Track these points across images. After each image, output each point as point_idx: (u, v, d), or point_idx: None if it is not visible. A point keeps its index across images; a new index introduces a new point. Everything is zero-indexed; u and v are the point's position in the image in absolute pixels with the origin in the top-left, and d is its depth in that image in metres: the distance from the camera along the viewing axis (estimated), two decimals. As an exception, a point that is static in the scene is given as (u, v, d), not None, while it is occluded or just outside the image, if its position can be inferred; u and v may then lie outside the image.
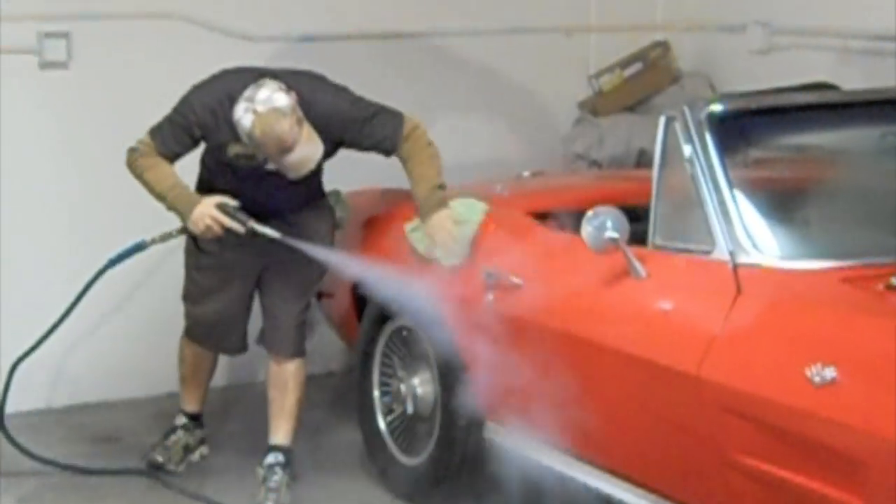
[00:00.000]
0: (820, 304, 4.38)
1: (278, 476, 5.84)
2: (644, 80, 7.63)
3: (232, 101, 5.42)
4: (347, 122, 5.66)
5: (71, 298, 6.03)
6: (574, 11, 7.72)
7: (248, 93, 5.37)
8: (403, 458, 5.85)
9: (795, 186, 5.02)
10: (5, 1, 6.43)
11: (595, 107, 7.62)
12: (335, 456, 6.26)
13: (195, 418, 6.30)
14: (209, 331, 6.07)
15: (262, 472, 5.85)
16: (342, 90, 5.77)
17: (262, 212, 5.67)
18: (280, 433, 5.93)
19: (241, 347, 6.16)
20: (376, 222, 6.12)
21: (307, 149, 5.46)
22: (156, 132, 5.63)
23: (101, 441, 6.43)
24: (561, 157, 7.53)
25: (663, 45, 7.73)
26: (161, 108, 6.37)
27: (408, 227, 5.72)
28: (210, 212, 5.54)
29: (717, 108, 4.89)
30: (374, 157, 5.97)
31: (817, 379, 4.01)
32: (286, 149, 5.37)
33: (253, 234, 5.62)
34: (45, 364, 6.50)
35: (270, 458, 5.87)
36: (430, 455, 5.69)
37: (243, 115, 5.34)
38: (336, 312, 6.36)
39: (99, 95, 6.49)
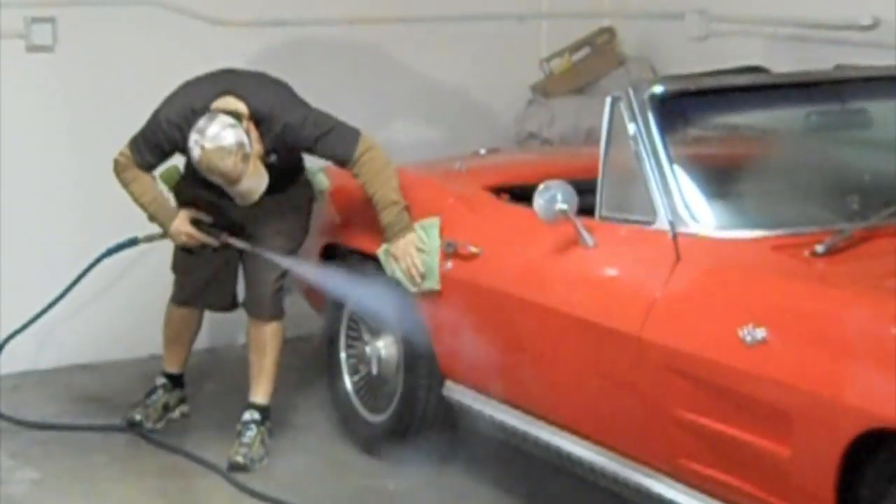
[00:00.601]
0: (751, 270, 4.42)
1: (252, 432, 5.85)
2: (591, 64, 7.62)
3: (196, 115, 5.43)
4: (305, 136, 5.63)
5: (58, 277, 6.12)
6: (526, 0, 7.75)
7: (200, 124, 5.38)
8: (368, 416, 5.86)
9: (730, 162, 5.03)
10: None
11: (546, 89, 7.61)
12: (307, 414, 6.28)
13: (176, 379, 6.28)
14: (198, 293, 6.07)
15: (239, 428, 5.86)
16: (302, 105, 5.74)
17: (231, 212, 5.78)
18: (259, 392, 5.94)
19: (232, 304, 6.15)
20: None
21: (252, 182, 5.49)
22: (133, 145, 5.67)
23: (86, 400, 6.42)
24: (514, 135, 7.52)
25: (609, 32, 7.71)
26: (139, 89, 6.47)
27: (380, 250, 5.64)
28: (185, 229, 5.70)
29: (658, 89, 4.89)
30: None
31: (749, 339, 4.06)
32: (231, 181, 5.43)
33: (225, 245, 5.76)
34: (33, 328, 6.55)
35: (247, 416, 5.89)
36: (393, 412, 5.70)
37: (193, 146, 5.38)
38: (304, 279, 6.34)
39: (82, 77, 6.48)
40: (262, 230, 5.83)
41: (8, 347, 6.39)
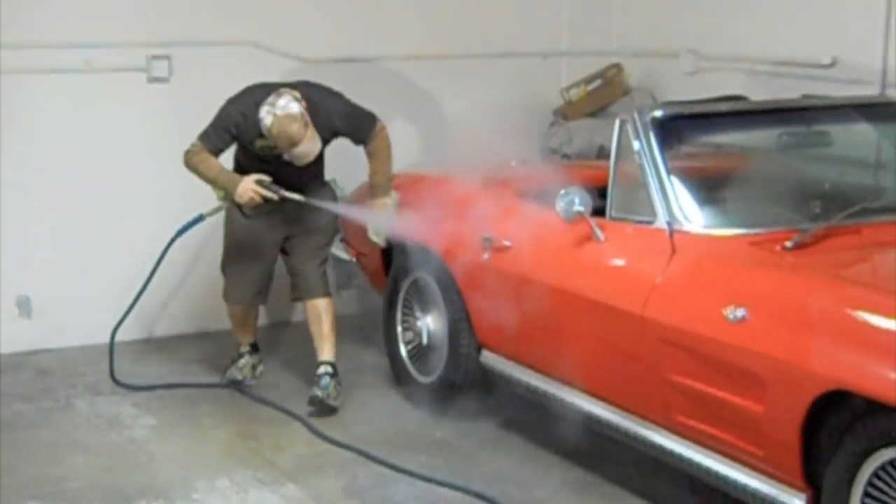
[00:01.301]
0: (734, 261, 4.41)
1: (327, 381, 5.85)
2: (602, 93, 7.54)
3: (257, 106, 5.57)
4: (341, 116, 5.83)
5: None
6: (550, 40, 7.67)
7: (271, 99, 5.55)
8: (419, 377, 5.84)
9: (716, 173, 5.02)
10: (122, 32, 6.49)
11: (565, 113, 7.55)
12: (366, 376, 6.27)
13: (254, 345, 6.35)
14: (243, 295, 6.13)
15: (315, 380, 5.87)
16: (338, 95, 5.94)
17: (285, 187, 5.82)
18: (325, 351, 5.95)
19: (265, 300, 6.24)
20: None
21: (309, 145, 5.63)
22: (203, 136, 5.78)
23: (192, 363, 6.46)
24: (540, 151, 7.50)
25: (617, 67, 7.66)
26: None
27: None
28: (251, 186, 5.69)
29: (658, 113, 4.87)
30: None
31: (732, 317, 4.09)
32: (294, 143, 5.55)
33: (283, 200, 5.77)
34: (148, 304, 6.57)
35: (321, 370, 5.88)
36: (439, 375, 5.69)
37: (266, 115, 5.52)
38: (369, 268, 6.35)
39: (191, 103, 6.45)
40: (306, 210, 5.94)
41: (129, 319, 6.43)
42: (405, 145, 6.96)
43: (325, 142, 5.84)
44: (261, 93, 5.69)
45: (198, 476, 5.03)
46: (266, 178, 5.76)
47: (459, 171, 5.96)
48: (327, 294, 6.03)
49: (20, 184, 6.46)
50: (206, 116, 6.49)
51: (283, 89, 5.67)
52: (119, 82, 6.58)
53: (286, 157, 5.67)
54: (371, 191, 5.96)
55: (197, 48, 6.65)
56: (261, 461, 5.20)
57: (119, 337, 6.50)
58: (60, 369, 6.34)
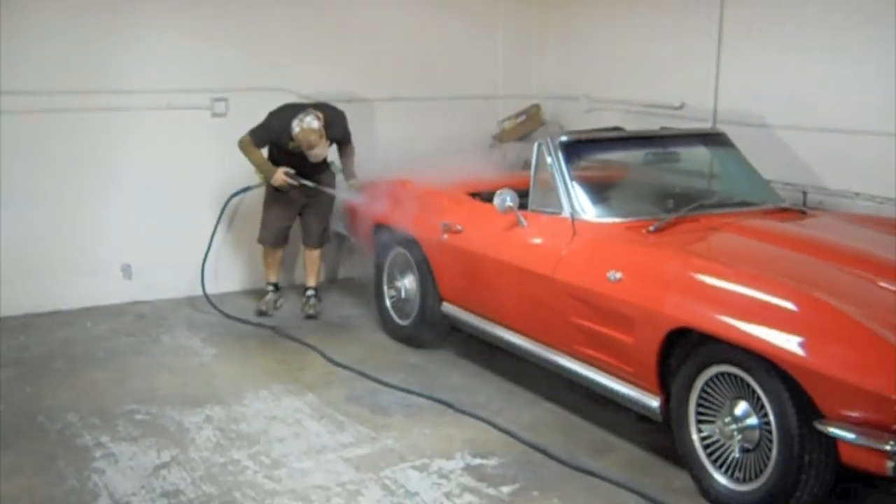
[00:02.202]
0: (614, 240, 4.43)
1: (313, 300, 6.37)
2: (526, 125, 7.53)
3: (289, 120, 5.89)
4: (342, 130, 6.21)
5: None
6: (490, 87, 7.65)
7: (300, 115, 5.86)
8: (399, 321, 5.80)
9: (604, 180, 5.03)
10: (193, 80, 6.50)
11: (501, 138, 7.50)
12: (360, 320, 6.26)
13: (276, 286, 6.49)
14: (271, 238, 6.33)
15: (304, 299, 6.40)
16: (343, 117, 6.22)
17: (303, 173, 6.12)
18: (312, 281, 6.43)
19: (285, 244, 6.45)
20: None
21: (321, 149, 6.00)
22: (253, 133, 6.06)
23: (243, 310, 6.42)
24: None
25: (537, 106, 7.64)
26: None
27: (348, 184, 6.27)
28: (281, 175, 6.06)
29: (564, 138, 4.88)
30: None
31: (612, 278, 4.13)
32: (311, 146, 5.91)
33: (302, 185, 6.10)
34: (210, 268, 6.61)
35: (309, 292, 6.41)
36: (413, 319, 5.65)
37: (296, 126, 5.87)
38: (362, 241, 6.27)
39: (242, 130, 6.45)
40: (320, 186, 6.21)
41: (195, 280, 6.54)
42: (386, 158, 6.99)
43: (332, 142, 6.16)
44: (294, 111, 5.97)
45: (246, 388, 5.07)
46: (292, 170, 6.07)
47: (428, 178, 5.99)
48: (321, 246, 6.41)
49: (124, 185, 6.48)
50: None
51: (310, 108, 5.95)
52: (191, 117, 6.56)
53: (306, 154, 5.96)
54: (345, 175, 6.32)
55: (245, 92, 6.62)
56: (290, 378, 5.22)
57: (190, 293, 6.61)
58: (152, 315, 6.34)
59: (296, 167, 6.09)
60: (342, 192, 6.30)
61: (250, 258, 6.82)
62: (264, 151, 6.16)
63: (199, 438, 4.46)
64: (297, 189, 6.14)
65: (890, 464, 3.15)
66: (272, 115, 6.05)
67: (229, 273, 6.89)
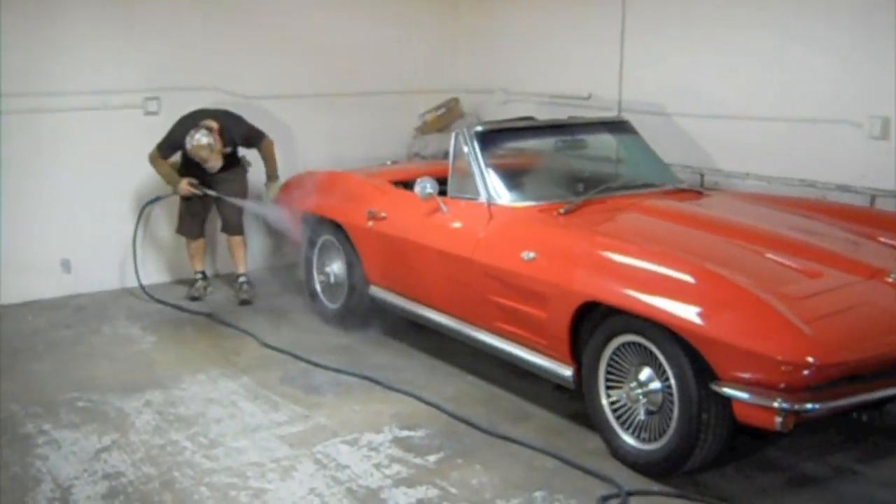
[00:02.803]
0: (528, 222, 4.45)
1: (246, 286, 6.34)
2: (447, 116, 7.57)
3: (191, 128, 5.91)
4: (240, 135, 6.15)
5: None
6: (411, 82, 7.64)
7: (192, 131, 5.88)
8: (329, 305, 5.74)
9: (517, 166, 5.02)
10: (127, 81, 6.38)
11: (422, 130, 7.57)
12: (292, 305, 6.19)
13: (203, 273, 6.48)
14: (190, 229, 6.34)
15: (237, 286, 6.35)
16: (240, 119, 6.19)
17: (210, 177, 6.13)
18: (240, 267, 6.40)
19: (202, 235, 6.43)
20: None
21: (214, 163, 6.01)
22: (159, 146, 6.03)
23: (178, 299, 6.35)
24: (406, 154, 7.53)
25: (455, 100, 7.69)
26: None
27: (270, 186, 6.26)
28: (185, 186, 6.09)
29: (479, 128, 4.90)
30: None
31: (526, 257, 4.16)
32: (203, 161, 5.96)
33: (205, 194, 6.16)
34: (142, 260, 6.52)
35: (241, 279, 6.37)
36: (342, 302, 5.60)
37: (187, 142, 5.91)
38: (292, 229, 6.07)
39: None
40: (224, 186, 6.19)
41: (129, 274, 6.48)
42: (317, 153, 7.00)
43: (235, 146, 6.16)
44: (193, 121, 5.97)
45: (184, 373, 5.01)
46: (195, 180, 6.09)
47: (351, 168, 5.96)
48: (241, 233, 6.36)
49: (61, 183, 6.32)
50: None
51: (203, 121, 5.94)
52: (125, 115, 6.43)
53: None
54: (266, 178, 6.27)
55: (178, 91, 6.50)
56: (225, 362, 5.17)
57: (128, 285, 6.51)
58: (92, 306, 6.21)
59: (203, 172, 6.08)
60: (249, 204, 6.27)
61: (178, 249, 6.71)
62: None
63: (139, 422, 4.40)
64: (203, 195, 6.21)
65: (778, 419, 3.24)
66: (174, 126, 6.06)
67: (161, 264, 6.80)
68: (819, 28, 5.31)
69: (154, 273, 6.73)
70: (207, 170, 6.03)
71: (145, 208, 6.46)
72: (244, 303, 6.24)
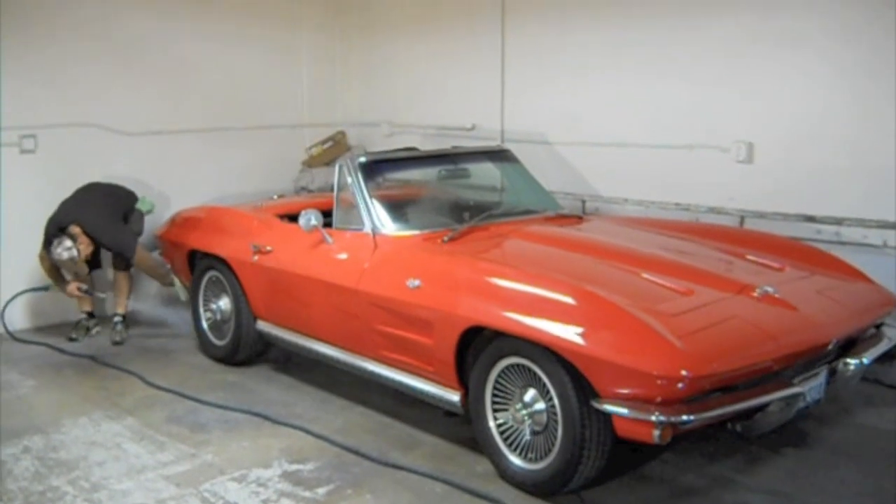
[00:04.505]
0: (412, 250, 4.50)
1: (121, 326, 6.23)
2: (333, 150, 7.59)
3: (55, 234, 5.84)
4: (106, 242, 6.04)
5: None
6: (297, 116, 7.66)
7: (54, 244, 5.81)
8: (217, 342, 5.68)
9: (401, 196, 5.10)
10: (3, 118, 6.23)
11: (309, 163, 7.59)
12: (179, 344, 6.08)
13: (90, 314, 6.35)
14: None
15: (112, 325, 6.22)
16: (113, 223, 6.06)
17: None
18: (120, 306, 6.31)
19: (91, 271, 6.23)
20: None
21: (83, 267, 5.97)
22: (43, 245, 5.94)
23: (60, 340, 6.21)
24: (293, 188, 7.54)
25: (342, 133, 7.73)
26: (83, 170, 6.33)
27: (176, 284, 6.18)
28: (74, 290, 6.07)
29: (363, 159, 4.94)
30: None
31: (411, 285, 4.19)
32: (69, 270, 5.94)
33: (93, 294, 6.23)
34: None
35: (116, 318, 6.28)
36: (230, 339, 5.53)
37: (52, 252, 5.82)
38: (178, 269, 6.10)
39: (51, 166, 6.27)
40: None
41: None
42: (201, 187, 6.95)
43: (124, 212, 6.15)
44: (59, 222, 5.88)
45: (65, 416, 4.87)
46: (83, 285, 6.08)
47: (236, 203, 5.91)
48: (126, 269, 6.22)
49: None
50: (60, 176, 6.32)
51: (69, 229, 5.83)
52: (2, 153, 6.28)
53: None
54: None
55: (56, 128, 6.38)
56: (109, 404, 5.05)
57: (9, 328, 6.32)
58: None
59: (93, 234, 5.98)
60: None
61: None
62: None
63: (17, 469, 4.25)
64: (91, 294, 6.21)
65: (656, 432, 3.35)
66: (48, 221, 5.94)
67: (43, 307, 6.59)
68: (686, 57, 5.57)
69: (36, 316, 6.55)
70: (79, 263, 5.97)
71: (20, 294, 6.30)
72: (116, 343, 6.10)
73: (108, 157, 6.58)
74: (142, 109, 6.81)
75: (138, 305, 6.64)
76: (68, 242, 5.79)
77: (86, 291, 6.06)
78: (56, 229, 5.84)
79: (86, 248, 5.89)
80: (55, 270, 6.02)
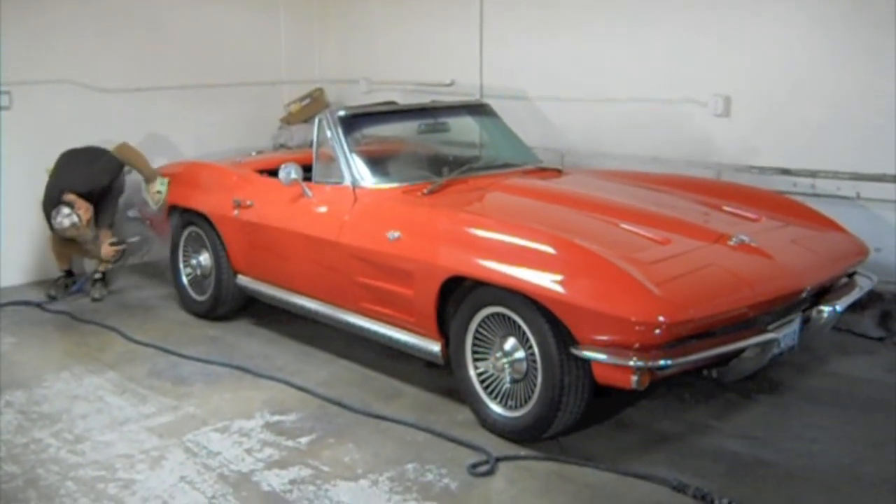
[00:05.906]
0: (393, 203, 4.52)
1: (100, 284, 6.22)
2: (311, 107, 7.56)
3: (52, 206, 5.79)
4: (109, 176, 5.98)
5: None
6: (275, 73, 7.62)
7: (53, 213, 5.76)
8: (197, 297, 5.68)
9: (381, 150, 5.10)
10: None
11: (288, 120, 7.57)
12: (160, 300, 6.10)
13: (69, 272, 6.29)
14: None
15: (91, 282, 6.22)
16: (99, 174, 5.94)
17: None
18: (101, 264, 6.23)
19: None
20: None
21: (85, 232, 5.88)
22: (50, 227, 5.93)
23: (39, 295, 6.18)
24: (272, 145, 7.52)
25: (320, 90, 7.70)
26: (59, 127, 6.28)
27: (155, 186, 5.84)
28: (110, 248, 6.08)
29: (342, 113, 4.93)
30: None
31: (391, 237, 4.22)
32: (74, 237, 5.90)
33: (127, 244, 6.25)
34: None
35: (97, 276, 6.26)
36: (210, 295, 5.55)
37: (55, 224, 5.79)
38: (158, 226, 6.11)
39: (27, 124, 6.21)
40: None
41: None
42: (180, 145, 6.91)
43: (113, 176, 6.02)
44: (54, 196, 5.81)
45: (47, 372, 4.88)
46: (114, 239, 6.10)
47: (217, 159, 5.89)
48: (110, 227, 6.16)
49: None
50: (36, 133, 6.27)
51: (64, 197, 5.78)
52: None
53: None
54: (144, 181, 5.93)
55: (30, 85, 6.29)
56: (90, 359, 5.06)
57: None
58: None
59: (90, 193, 5.93)
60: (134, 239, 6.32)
61: (40, 249, 6.51)
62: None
63: (0, 423, 4.27)
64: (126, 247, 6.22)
65: (634, 377, 3.42)
66: (42, 203, 5.89)
67: (21, 264, 6.56)
68: (664, 11, 5.57)
69: (15, 273, 6.51)
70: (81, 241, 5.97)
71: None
72: (95, 300, 6.09)
73: (85, 114, 6.51)
74: (119, 66, 6.74)
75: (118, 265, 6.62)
76: (66, 210, 5.74)
77: (119, 244, 6.09)
78: (52, 206, 5.79)
79: (85, 212, 5.83)
80: (70, 246, 6.00)
